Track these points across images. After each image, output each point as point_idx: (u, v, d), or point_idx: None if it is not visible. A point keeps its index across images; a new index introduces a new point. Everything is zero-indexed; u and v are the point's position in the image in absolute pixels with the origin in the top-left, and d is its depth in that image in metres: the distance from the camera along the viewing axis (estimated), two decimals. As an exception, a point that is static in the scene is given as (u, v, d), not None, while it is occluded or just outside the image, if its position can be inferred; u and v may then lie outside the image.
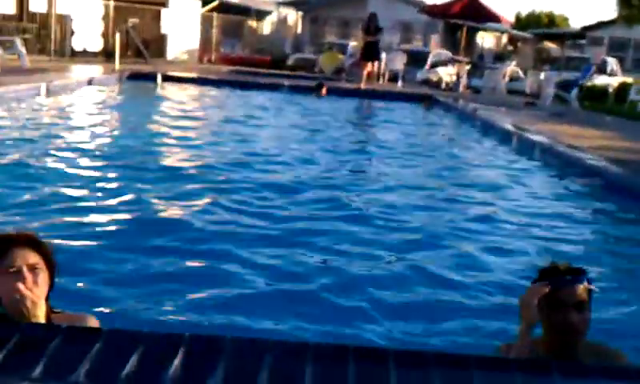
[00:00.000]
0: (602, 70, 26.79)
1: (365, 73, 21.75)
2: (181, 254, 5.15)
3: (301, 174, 8.60)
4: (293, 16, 41.76)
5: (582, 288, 2.76)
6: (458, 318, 4.37)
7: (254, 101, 17.67)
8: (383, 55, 25.19)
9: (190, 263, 4.99)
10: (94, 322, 2.99)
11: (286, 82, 21.01)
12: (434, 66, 27.47)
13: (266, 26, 40.40)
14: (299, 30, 41.68)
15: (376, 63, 22.96)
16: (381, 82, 24.81)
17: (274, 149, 10.43)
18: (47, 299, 2.84)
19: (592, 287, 2.81)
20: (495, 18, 28.60)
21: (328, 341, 3.17)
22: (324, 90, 19.71)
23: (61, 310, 2.93)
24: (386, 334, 4.11)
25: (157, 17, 28.84)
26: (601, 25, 37.86)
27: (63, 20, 24.84)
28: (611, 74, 27.37)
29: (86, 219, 5.83)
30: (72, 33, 25.30)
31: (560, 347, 2.78)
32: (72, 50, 25.32)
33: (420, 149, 11.95)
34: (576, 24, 48.28)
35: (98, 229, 5.65)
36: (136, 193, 6.77)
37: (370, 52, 21.83)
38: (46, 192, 6.54)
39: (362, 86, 21.14)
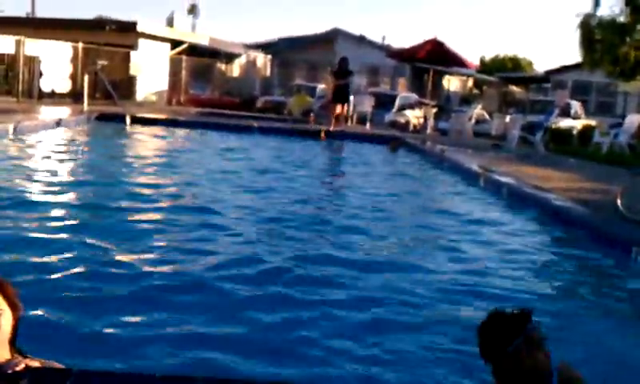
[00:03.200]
0: (566, 112, 27.28)
1: (334, 115, 21.98)
2: (148, 296, 5.12)
3: (274, 217, 8.60)
4: (261, 59, 42.06)
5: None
6: (429, 357, 4.40)
7: (223, 142, 17.68)
8: (351, 98, 25.47)
9: (156, 306, 4.95)
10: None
11: (256, 124, 21.09)
12: (402, 108, 27.79)
13: (235, 69, 40.61)
14: (268, 73, 41.96)
15: (345, 106, 23.18)
16: (349, 123, 25.00)
17: (247, 192, 10.42)
18: (13, 342, 2.79)
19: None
20: (461, 63, 29.05)
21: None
22: (322, 135, 20.15)
23: (30, 356, 2.89)
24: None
25: (126, 59, 28.86)
26: (564, 69, 38.60)
27: (31, 61, 24.75)
28: (575, 117, 27.87)
29: (49, 261, 5.77)
30: (40, 74, 25.18)
31: None
32: (40, 91, 25.18)
33: (389, 189, 12.05)
34: (540, 67, 49.13)
35: (61, 270, 5.58)
36: (102, 236, 6.71)
37: (341, 95, 22.11)
38: (10, 234, 6.46)
39: (332, 128, 21.29)
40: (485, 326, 2.86)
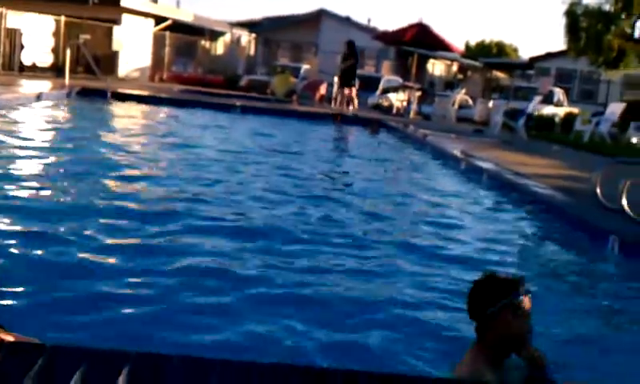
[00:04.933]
0: (548, 100, 27.41)
1: (318, 96, 22.37)
2: (126, 274, 5.08)
3: (258, 198, 8.57)
4: (246, 38, 41.85)
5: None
6: (408, 339, 4.41)
7: (206, 121, 17.61)
8: (335, 78, 25.54)
9: (134, 283, 4.92)
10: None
11: (239, 103, 21.02)
12: (386, 91, 27.81)
13: (219, 47, 40.38)
14: (252, 52, 41.77)
15: (350, 89, 23.52)
16: (332, 104, 25.02)
17: (228, 171, 10.37)
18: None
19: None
20: (446, 47, 29.06)
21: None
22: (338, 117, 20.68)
23: (5, 330, 2.87)
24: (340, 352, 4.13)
25: (109, 33, 28.60)
26: (548, 56, 38.75)
27: (13, 34, 24.45)
28: (558, 104, 28.03)
29: (29, 236, 5.71)
30: (22, 47, 24.90)
31: (502, 356, 2.88)
32: (21, 64, 24.90)
33: (369, 172, 12.08)
34: (525, 54, 49.22)
35: (40, 247, 5.52)
36: (81, 214, 6.65)
37: (346, 78, 22.70)
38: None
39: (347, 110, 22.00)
40: (476, 285, 2.95)
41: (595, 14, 26.01)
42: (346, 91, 23.26)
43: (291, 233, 6.79)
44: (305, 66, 32.00)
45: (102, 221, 6.42)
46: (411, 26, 27.44)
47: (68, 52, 21.74)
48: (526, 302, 2.85)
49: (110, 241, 5.87)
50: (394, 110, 25.85)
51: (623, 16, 26.02)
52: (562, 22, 27.05)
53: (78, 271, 5.04)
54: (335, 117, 20.51)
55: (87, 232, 6.00)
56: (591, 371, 4.18)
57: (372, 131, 18.94)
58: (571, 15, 26.64)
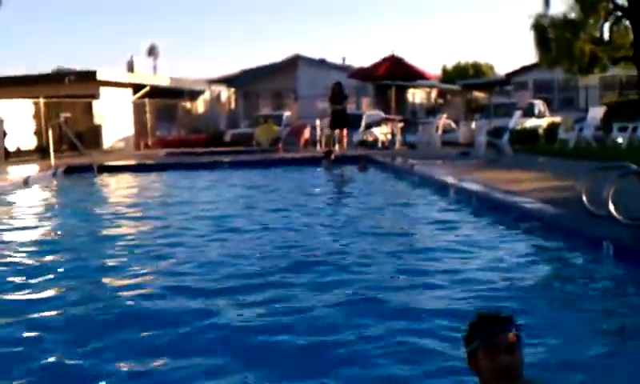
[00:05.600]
0: (529, 112, 27.62)
1: (302, 141, 22.41)
2: (136, 359, 5.04)
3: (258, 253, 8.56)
4: (225, 93, 42.19)
5: (510, 334, 2.91)
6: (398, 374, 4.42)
7: (193, 183, 17.66)
8: (317, 121, 25.76)
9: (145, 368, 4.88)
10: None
11: (226, 159, 21.18)
12: (369, 126, 28.02)
13: (200, 105, 40.68)
14: (233, 106, 42.08)
15: (342, 130, 23.54)
16: (318, 147, 25.17)
17: (229, 232, 10.32)
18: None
19: (519, 333, 2.95)
20: (420, 75, 29.34)
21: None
22: (333, 156, 20.41)
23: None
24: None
25: (89, 108, 28.83)
26: (524, 69, 39.12)
27: (-6, 123, 24.64)
28: (539, 116, 28.26)
29: (22, 324, 5.67)
30: (4, 134, 25.06)
31: None
32: (6, 151, 25.03)
33: (362, 206, 12.17)
34: (502, 70, 49.71)
35: (33, 332, 5.49)
36: (78, 294, 6.63)
37: (339, 120, 22.71)
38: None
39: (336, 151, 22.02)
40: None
41: (562, 23, 26.34)
42: (336, 132, 23.26)
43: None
44: (286, 113, 32.27)
45: (108, 304, 6.42)
46: (384, 60, 27.75)
47: (50, 132, 21.90)
48: (504, 338, 2.89)
49: (112, 318, 5.86)
50: (380, 144, 26.05)
51: (591, 21, 26.38)
52: (531, 35, 27.33)
53: (84, 361, 5.01)
54: (323, 158, 20.52)
55: (83, 319, 5.97)
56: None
57: (361, 168, 19.05)
58: (538, 28, 26.97)
